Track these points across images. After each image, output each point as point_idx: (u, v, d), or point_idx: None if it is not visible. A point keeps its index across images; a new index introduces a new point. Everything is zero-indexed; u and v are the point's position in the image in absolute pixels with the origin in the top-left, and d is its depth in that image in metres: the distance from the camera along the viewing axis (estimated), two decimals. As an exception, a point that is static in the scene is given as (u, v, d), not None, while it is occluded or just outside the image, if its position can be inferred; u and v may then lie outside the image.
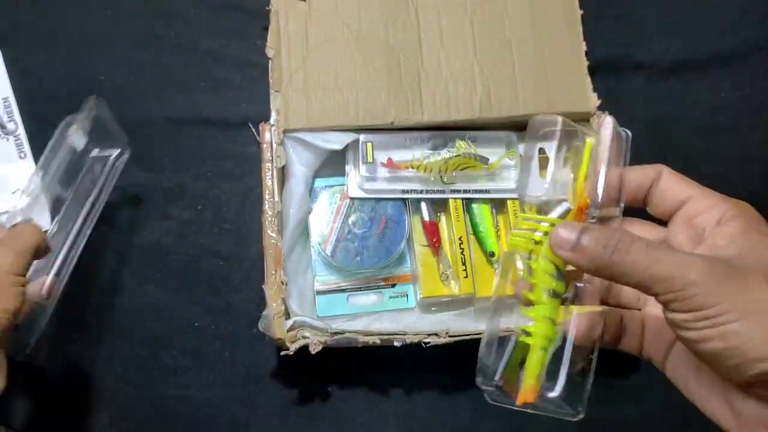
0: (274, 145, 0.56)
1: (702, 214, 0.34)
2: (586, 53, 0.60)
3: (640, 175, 0.36)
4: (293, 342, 0.52)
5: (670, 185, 0.36)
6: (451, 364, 0.55)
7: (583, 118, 0.60)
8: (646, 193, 0.37)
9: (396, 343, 0.53)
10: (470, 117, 0.58)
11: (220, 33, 0.67)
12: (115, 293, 0.61)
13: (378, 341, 0.53)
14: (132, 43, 0.67)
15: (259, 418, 0.59)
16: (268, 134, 0.57)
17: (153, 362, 0.59)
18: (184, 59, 0.67)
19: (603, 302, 0.38)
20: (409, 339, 0.53)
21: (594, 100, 0.59)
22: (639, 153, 0.66)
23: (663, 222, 0.38)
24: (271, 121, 0.57)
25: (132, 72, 0.66)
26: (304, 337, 0.52)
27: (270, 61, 0.58)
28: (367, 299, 0.59)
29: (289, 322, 0.53)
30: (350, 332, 0.54)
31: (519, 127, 0.62)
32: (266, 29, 0.59)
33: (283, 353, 0.52)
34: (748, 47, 0.69)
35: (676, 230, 0.35)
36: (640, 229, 0.38)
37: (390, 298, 0.59)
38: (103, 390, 0.59)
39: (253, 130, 0.60)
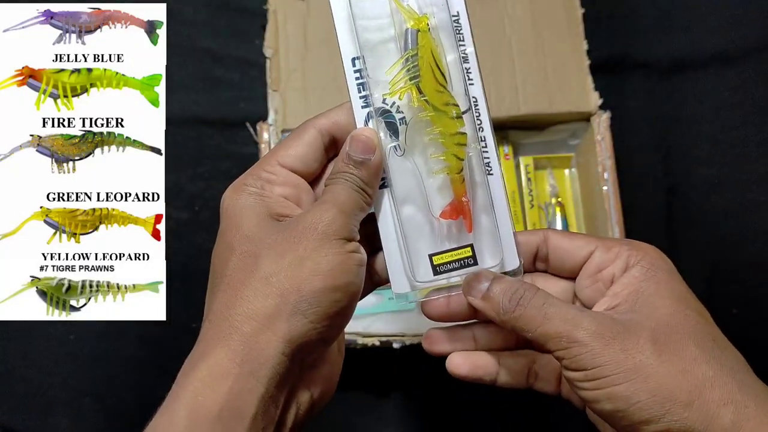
0: (272, 145, 0.56)
1: (608, 266, 0.33)
2: (587, 52, 0.60)
3: (521, 243, 0.34)
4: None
5: (563, 246, 0.34)
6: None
7: (584, 118, 0.59)
8: (534, 258, 0.35)
9: (395, 345, 0.53)
10: (470, 117, 0.58)
11: (219, 32, 0.67)
12: (112, 294, 0.60)
13: (377, 343, 0.53)
14: (129, 42, 0.66)
15: (257, 420, 0.58)
16: (266, 134, 0.56)
17: (150, 363, 0.59)
18: (183, 59, 0.66)
19: (519, 345, 0.36)
20: (408, 340, 0.53)
21: (595, 99, 0.58)
22: (640, 153, 0.67)
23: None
24: (269, 120, 0.57)
25: (129, 71, 0.66)
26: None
27: (268, 61, 0.58)
28: (367, 300, 0.58)
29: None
30: (349, 334, 0.53)
31: (519, 126, 0.62)
32: (264, 29, 0.59)
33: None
34: (748, 47, 0.68)
35: (582, 284, 0.34)
36: (551, 284, 0.36)
37: (389, 299, 0.59)
38: (101, 391, 0.58)
39: (251, 129, 0.60)
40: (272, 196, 0.32)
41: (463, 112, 0.34)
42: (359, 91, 0.34)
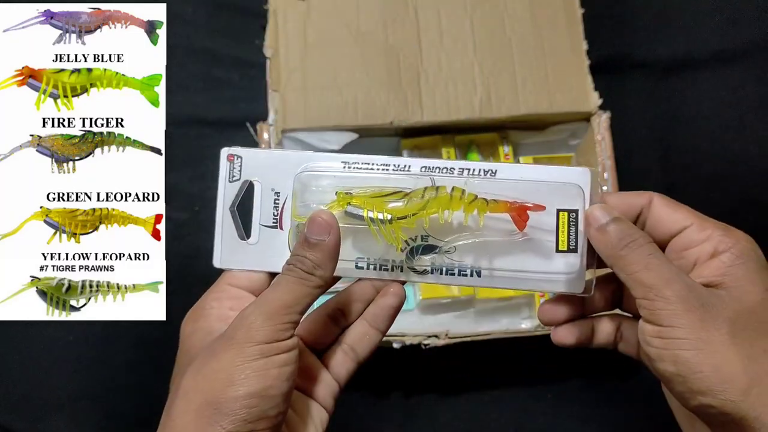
0: (273, 145, 0.56)
1: (696, 246, 0.33)
2: (587, 52, 0.60)
3: (624, 204, 0.35)
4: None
5: (661, 215, 0.34)
6: (450, 366, 0.55)
7: (584, 118, 0.59)
8: (634, 221, 0.35)
9: (395, 345, 0.53)
10: (470, 116, 0.58)
11: (219, 33, 0.67)
12: (112, 294, 0.60)
13: (377, 343, 0.53)
14: (129, 42, 0.66)
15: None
16: (266, 134, 0.56)
17: (148, 366, 0.59)
18: (183, 59, 0.66)
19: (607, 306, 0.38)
20: (408, 341, 0.53)
21: (595, 99, 0.58)
22: (640, 152, 0.67)
23: None
24: (269, 120, 0.57)
25: (129, 71, 0.66)
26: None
27: (268, 61, 0.58)
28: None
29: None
30: (349, 333, 0.53)
31: (519, 126, 0.62)
32: (264, 29, 0.59)
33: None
34: (748, 47, 0.68)
35: (671, 257, 0.35)
36: None
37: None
38: (98, 394, 0.58)
39: (251, 129, 0.60)
40: (218, 312, 0.34)
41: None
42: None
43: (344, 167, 0.34)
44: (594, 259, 0.34)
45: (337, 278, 0.35)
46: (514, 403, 0.60)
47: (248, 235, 0.36)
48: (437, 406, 0.60)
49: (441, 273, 0.34)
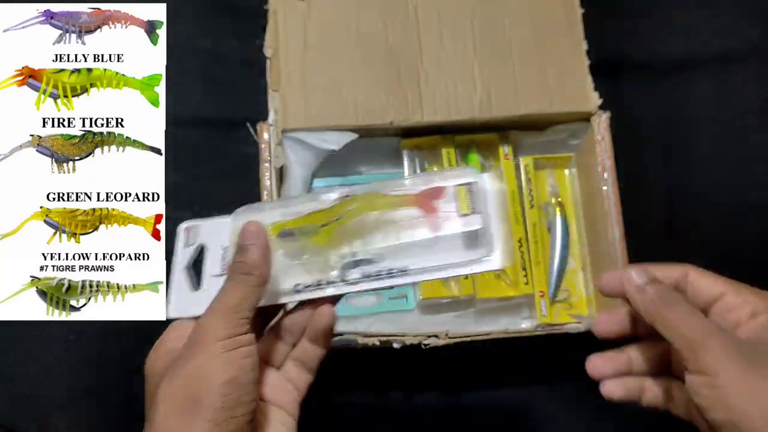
0: (273, 145, 0.56)
1: (734, 310, 0.35)
2: (587, 52, 0.60)
3: (661, 273, 0.37)
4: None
5: (700, 284, 0.37)
6: (450, 366, 0.55)
7: (584, 118, 0.59)
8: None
9: (395, 345, 0.53)
10: (470, 117, 0.58)
11: (219, 32, 0.67)
12: (112, 294, 0.60)
13: (377, 342, 0.53)
14: (129, 42, 0.66)
15: (257, 420, 0.58)
16: (266, 134, 0.56)
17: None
18: (183, 59, 0.66)
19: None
20: (408, 340, 0.53)
21: (595, 100, 0.58)
22: (640, 152, 0.67)
23: None
24: (270, 121, 0.56)
25: (130, 71, 0.66)
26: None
27: (268, 61, 0.58)
28: (367, 301, 0.59)
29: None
30: (349, 334, 0.53)
31: (519, 126, 0.62)
32: (264, 29, 0.59)
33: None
34: (748, 47, 0.69)
35: (714, 320, 0.37)
36: None
37: (389, 299, 0.59)
38: (100, 392, 0.58)
39: (251, 130, 0.60)
40: (177, 335, 0.37)
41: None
42: None
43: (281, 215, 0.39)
44: None
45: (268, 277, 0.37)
46: (514, 403, 0.60)
47: (199, 286, 0.39)
48: (437, 406, 0.60)
49: (370, 279, 0.37)
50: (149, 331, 0.60)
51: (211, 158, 0.64)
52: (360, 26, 0.59)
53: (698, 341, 0.32)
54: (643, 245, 0.55)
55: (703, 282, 0.37)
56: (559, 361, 0.62)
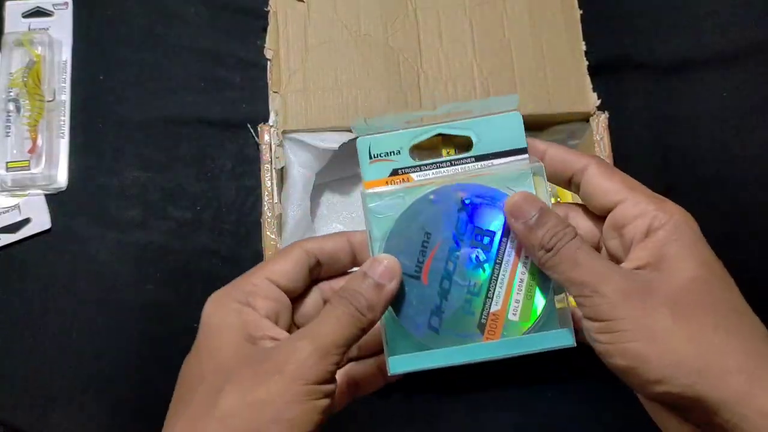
0: (273, 146, 0.56)
1: (630, 224, 0.33)
2: (586, 53, 0.60)
3: (562, 163, 0.35)
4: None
5: (596, 185, 0.34)
6: (450, 366, 0.55)
7: (583, 118, 0.60)
8: (568, 180, 0.35)
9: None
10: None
11: (220, 33, 0.67)
12: (114, 292, 0.61)
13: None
14: (132, 43, 0.67)
15: (258, 418, 0.59)
16: (267, 135, 0.57)
17: (152, 361, 0.59)
18: (184, 59, 0.67)
19: None
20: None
21: (594, 100, 0.59)
22: (639, 153, 0.67)
23: None
24: (270, 122, 0.57)
25: (132, 72, 0.66)
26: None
27: (269, 63, 0.58)
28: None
29: (289, 323, 0.53)
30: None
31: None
32: (265, 30, 0.59)
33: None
34: (748, 47, 0.69)
35: (609, 235, 0.34)
36: (581, 220, 0.36)
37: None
38: (103, 390, 0.59)
39: (252, 131, 0.60)
40: (252, 313, 0.32)
41: None
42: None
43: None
44: None
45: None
46: (514, 403, 0.61)
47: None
48: (437, 406, 0.60)
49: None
50: (150, 328, 0.60)
51: (212, 159, 0.64)
52: (360, 28, 0.59)
53: (590, 285, 0.30)
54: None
55: (598, 182, 0.33)
56: (559, 361, 0.62)
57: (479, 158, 0.36)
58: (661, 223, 0.32)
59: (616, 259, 0.34)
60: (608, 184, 0.33)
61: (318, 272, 0.36)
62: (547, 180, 0.36)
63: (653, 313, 0.29)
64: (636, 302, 0.30)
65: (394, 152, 0.36)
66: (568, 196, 0.64)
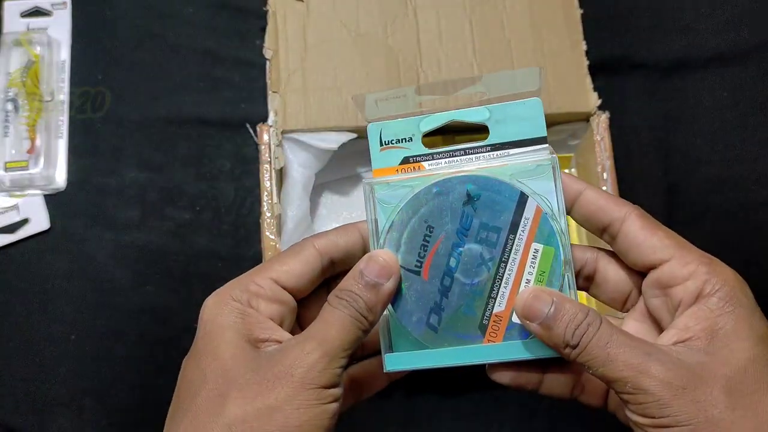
0: (273, 146, 0.56)
1: (678, 285, 0.30)
2: (586, 53, 0.60)
3: (599, 210, 0.31)
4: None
5: (640, 239, 0.30)
6: (448, 367, 0.55)
7: (583, 118, 0.59)
8: (603, 228, 0.32)
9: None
10: (469, 117, 0.58)
11: (219, 33, 0.67)
12: (113, 294, 0.61)
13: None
14: (131, 43, 0.67)
15: (258, 419, 0.58)
16: (266, 135, 0.56)
17: (151, 363, 0.59)
18: (183, 59, 0.66)
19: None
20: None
21: (594, 100, 0.59)
22: (639, 152, 0.67)
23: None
24: (269, 121, 0.57)
25: (130, 72, 0.66)
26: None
27: (268, 62, 0.58)
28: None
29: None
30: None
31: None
32: (264, 30, 0.59)
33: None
34: (748, 47, 0.68)
35: (651, 293, 0.31)
36: (614, 268, 0.33)
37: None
38: (102, 391, 0.59)
39: (251, 131, 0.60)
40: (255, 315, 0.31)
41: None
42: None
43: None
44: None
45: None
46: (514, 402, 0.60)
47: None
48: (438, 406, 0.60)
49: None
50: (150, 331, 0.60)
51: (211, 159, 0.64)
52: (359, 27, 0.59)
53: (630, 381, 0.27)
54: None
55: (642, 236, 0.30)
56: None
57: (495, 147, 0.34)
58: (714, 289, 0.29)
59: (657, 320, 0.32)
60: (653, 240, 0.30)
61: (331, 271, 0.34)
62: (578, 223, 0.33)
63: (708, 405, 0.27)
64: (687, 395, 0.27)
65: (405, 139, 0.35)
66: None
